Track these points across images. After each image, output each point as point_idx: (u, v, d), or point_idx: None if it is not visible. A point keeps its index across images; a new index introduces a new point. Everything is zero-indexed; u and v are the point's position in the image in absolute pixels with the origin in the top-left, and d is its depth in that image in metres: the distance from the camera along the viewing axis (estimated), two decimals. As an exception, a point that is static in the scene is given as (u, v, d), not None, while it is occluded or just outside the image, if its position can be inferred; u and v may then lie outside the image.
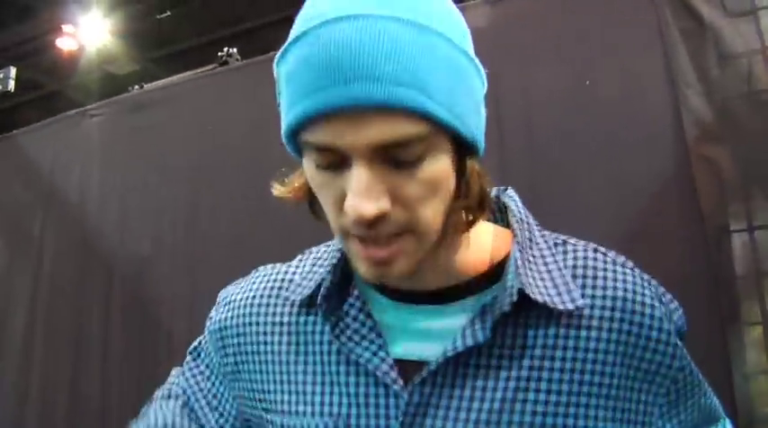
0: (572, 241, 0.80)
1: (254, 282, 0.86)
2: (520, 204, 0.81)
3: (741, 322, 1.31)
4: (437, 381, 0.74)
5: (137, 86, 2.29)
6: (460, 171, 0.69)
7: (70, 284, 2.27)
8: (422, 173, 0.65)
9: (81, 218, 2.29)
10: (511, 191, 0.83)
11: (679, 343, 0.75)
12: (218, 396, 0.89)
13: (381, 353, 0.75)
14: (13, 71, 2.54)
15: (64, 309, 2.26)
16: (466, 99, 0.67)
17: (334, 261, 0.79)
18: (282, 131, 0.67)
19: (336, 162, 0.64)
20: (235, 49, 2.69)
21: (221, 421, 0.88)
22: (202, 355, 0.91)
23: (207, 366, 0.90)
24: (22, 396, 2.28)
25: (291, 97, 0.64)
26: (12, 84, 2.52)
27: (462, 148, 0.68)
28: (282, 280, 0.84)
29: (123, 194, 2.22)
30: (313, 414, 0.78)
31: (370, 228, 0.65)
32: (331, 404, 0.78)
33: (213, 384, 0.89)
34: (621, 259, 0.78)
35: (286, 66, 0.65)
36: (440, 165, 0.66)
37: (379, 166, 0.63)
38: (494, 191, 0.83)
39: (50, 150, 2.39)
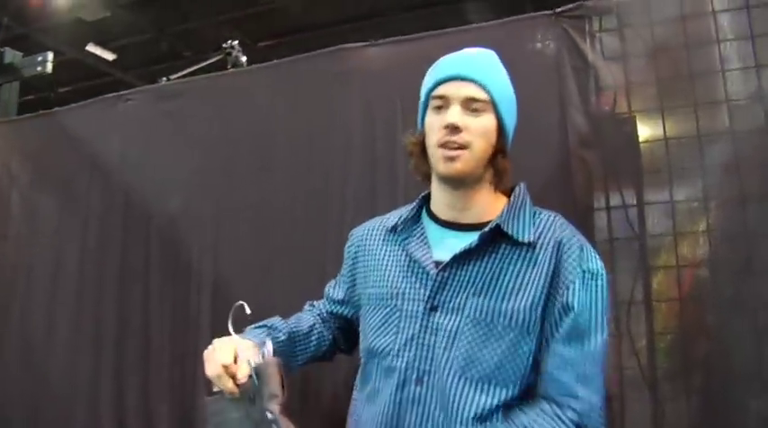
0: (544, 211, 1.53)
1: (368, 224, 1.72)
2: (524, 189, 1.56)
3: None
4: (450, 270, 1.46)
5: (165, 79, 2.87)
6: (499, 136, 1.48)
7: (115, 231, 2.90)
8: (480, 120, 1.44)
9: (121, 180, 2.89)
10: (523, 184, 1.57)
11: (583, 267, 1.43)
12: (342, 284, 1.74)
13: (427, 255, 1.51)
14: (50, 55, 3.02)
15: (110, 251, 2.90)
16: (509, 106, 1.51)
17: (413, 207, 1.60)
18: (422, 93, 1.52)
19: (443, 106, 1.46)
20: (236, 42, 3.22)
21: (343, 289, 1.74)
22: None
23: (340, 280, 1.77)
24: (75, 331, 2.91)
25: (433, 74, 1.51)
26: (50, 67, 3.01)
27: (501, 127, 1.49)
28: (382, 220, 1.68)
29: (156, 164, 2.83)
30: (385, 284, 1.56)
31: (452, 133, 1.42)
32: (395, 278, 1.54)
33: (343, 280, 1.74)
34: (562, 219, 1.52)
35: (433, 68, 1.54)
36: (490, 122, 1.46)
37: (461, 110, 1.44)
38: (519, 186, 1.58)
39: (91, 125, 2.95)
